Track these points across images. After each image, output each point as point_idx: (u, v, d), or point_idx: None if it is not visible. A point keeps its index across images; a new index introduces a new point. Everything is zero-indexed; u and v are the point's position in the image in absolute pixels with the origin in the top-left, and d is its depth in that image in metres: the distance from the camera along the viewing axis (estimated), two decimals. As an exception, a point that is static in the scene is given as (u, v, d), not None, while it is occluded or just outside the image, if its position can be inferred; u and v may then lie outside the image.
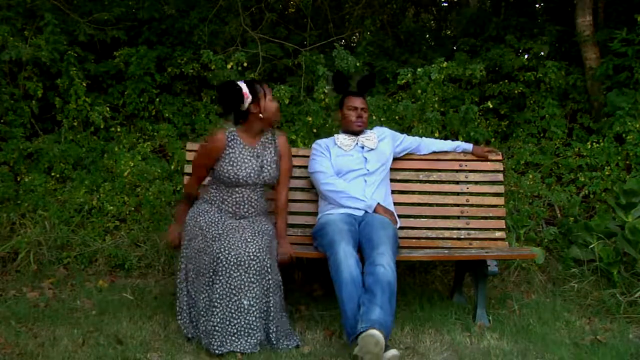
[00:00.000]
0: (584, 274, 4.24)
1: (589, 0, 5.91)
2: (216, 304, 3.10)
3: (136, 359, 3.00)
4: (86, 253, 4.46)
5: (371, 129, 3.99)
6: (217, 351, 3.06)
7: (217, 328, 3.09)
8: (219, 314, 3.10)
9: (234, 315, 3.09)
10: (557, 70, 5.71)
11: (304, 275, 4.32)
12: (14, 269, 4.32)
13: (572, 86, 5.89)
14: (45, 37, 5.22)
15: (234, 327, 3.09)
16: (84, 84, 5.33)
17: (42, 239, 4.44)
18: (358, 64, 5.40)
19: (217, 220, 3.30)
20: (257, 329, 3.12)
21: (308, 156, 3.91)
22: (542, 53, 6.24)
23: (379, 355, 2.86)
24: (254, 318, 3.11)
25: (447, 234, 3.93)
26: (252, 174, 3.36)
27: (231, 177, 3.33)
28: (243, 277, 3.11)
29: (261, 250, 3.17)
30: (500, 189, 4.04)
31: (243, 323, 3.10)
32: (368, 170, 3.75)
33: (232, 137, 3.39)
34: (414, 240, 3.90)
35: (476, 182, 4.05)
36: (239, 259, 3.12)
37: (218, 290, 3.11)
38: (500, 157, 4.07)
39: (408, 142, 4.03)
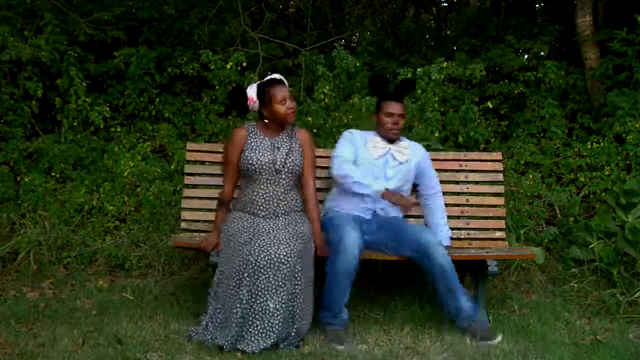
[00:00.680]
0: (584, 274, 4.24)
1: (589, 0, 5.91)
2: (238, 304, 3.10)
3: (136, 359, 3.00)
4: (86, 253, 4.46)
5: (409, 141, 3.84)
6: (226, 348, 3.08)
7: (233, 325, 3.10)
8: (240, 313, 3.10)
9: (257, 316, 3.09)
10: (557, 70, 5.71)
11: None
12: (14, 269, 4.32)
13: (572, 86, 5.89)
14: (45, 37, 5.22)
15: (255, 328, 3.08)
16: (84, 84, 5.33)
17: (42, 239, 4.44)
18: (358, 64, 5.40)
19: (249, 225, 3.30)
20: (276, 332, 3.10)
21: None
22: (542, 53, 6.25)
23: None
24: (277, 322, 3.10)
25: (447, 233, 3.92)
26: (274, 160, 3.36)
27: (255, 163, 3.34)
28: (271, 279, 3.10)
29: (293, 254, 3.16)
30: (500, 189, 4.04)
31: (266, 325, 3.09)
32: (386, 189, 3.62)
33: (252, 130, 3.46)
34: (414, 240, 3.89)
35: (476, 182, 4.05)
36: (269, 261, 3.11)
37: (244, 291, 3.11)
38: (500, 157, 4.07)
39: (428, 179, 3.80)
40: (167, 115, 5.75)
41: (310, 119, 4.93)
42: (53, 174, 5.00)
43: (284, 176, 3.39)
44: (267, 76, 3.56)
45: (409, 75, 5.09)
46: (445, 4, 8.76)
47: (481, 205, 4.00)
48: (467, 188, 4.01)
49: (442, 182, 3.98)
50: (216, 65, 5.23)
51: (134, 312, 3.63)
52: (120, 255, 4.43)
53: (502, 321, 3.66)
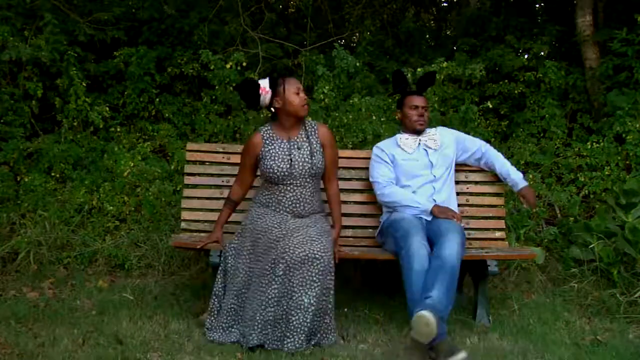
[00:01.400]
0: (584, 274, 4.24)
1: (589, 0, 5.91)
2: (272, 302, 3.11)
3: (136, 359, 3.00)
4: (86, 253, 4.46)
5: (435, 128, 3.92)
6: (251, 345, 3.09)
7: (269, 325, 3.10)
8: (275, 311, 3.11)
9: (292, 312, 3.09)
10: (557, 70, 5.71)
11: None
12: (14, 269, 4.32)
13: (572, 86, 5.89)
14: (45, 37, 5.22)
15: (290, 324, 3.08)
16: (84, 84, 5.33)
17: (42, 239, 4.44)
18: (358, 64, 5.40)
19: (278, 221, 3.30)
20: (308, 328, 3.11)
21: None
22: (542, 53, 6.25)
23: (430, 334, 2.95)
24: (310, 317, 3.11)
25: (447, 234, 3.92)
26: (296, 166, 3.33)
27: (276, 171, 3.31)
28: (305, 275, 3.11)
29: (326, 250, 3.17)
30: (500, 189, 4.04)
31: (301, 320, 3.09)
32: (434, 176, 3.71)
33: (268, 135, 3.40)
34: (414, 240, 3.89)
35: (476, 182, 4.05)
36: (304, 257, 3.11)
37: (278, 287, 3.11)
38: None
39: (470, 143, 3.91)
40: (167, 115, 5.75)
41: (310, 119, 4.93)
42: (53, 174, 5.00)
43: (308, 179, 3.38)
44: (267, 76, 3.57)
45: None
46: (445, 4, 8.76)
47: (481, 205, 4.01)
48: (467, 188, 4.02)
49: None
50: (216, 65, 5.23)
51: (134, 312, 3.63)
52: (120, 255, 4.43)
53: (502, 321, 3.66)
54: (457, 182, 4.01)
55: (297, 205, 3.36)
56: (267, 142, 3.38)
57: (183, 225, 3.90)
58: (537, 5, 7.53)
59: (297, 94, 3.36)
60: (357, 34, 7.31)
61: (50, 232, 4.49)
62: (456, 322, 3.63)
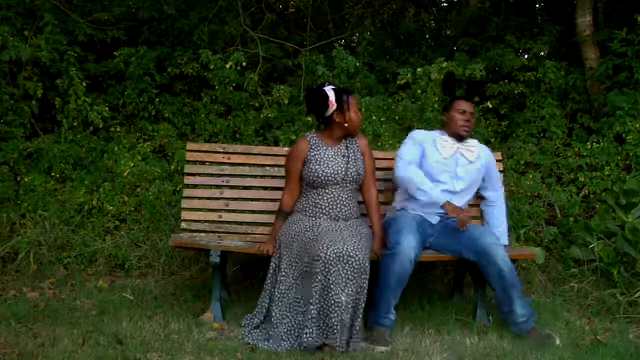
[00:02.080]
0: (584, 274, 4.25)
1: (589, 0, 5.91)
2: (311, 300, 3.14)
3: (136, 359, 3.00)
4: (86, 253, 4.46)
5: (476, 140, 3.88)
6: (306, 344, 3.12)
7: (308, 323, 3.13)
8: (315, 310, 3.14)
9: (331, 309, 3.12)
10: (557, 70, 5.71)
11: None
12: (14, 269, 4.32)
13: (572, 86, 5.89)
14: (45, 37, 5.21)
15: (330, 320, 3.11)
16: (84, 84, 5.32)
17: (42, 239, 4.44)
18: (358, 64, 5.40)
19: (312, 224, 3.39)
20: (347, 327, 3.15)
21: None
22: (542, 53, 6.24)
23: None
24: (348, 315, 3.15)
25: (447, 234, 3.92)
26: (339, 171, 3.45)
27: (320, 175, 3.42)
28: (341, 273, 3.15)
29: (360, 249, 3.22)
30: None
31: (340, 319, 3.11)
32: (454, 189, 3.69)
33: (314, 141, 3.53)
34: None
35: (476, 182, 4.04)
36: (338, 255, 3.15)
37: (317, 287, 3.14)
38: (500, 157, 4.07)
39: (495, 181, 3.87)
40: (167, 115, 5.74)
41: (310, 119, 4.93)
42: (53, 174, 5.00)
43: (348, 184, 3.49)
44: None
45: (409, 75, 5.09)
46: (445, 4, 8.74)
47: (481, 205, 4.00)
48: (467, 188, 4.01)
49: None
50: (216, 65, 5.23)
51: (134, 312, 3.63)
52: (120, 255, 4.43)
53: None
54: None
55: (334, 206, 3.45)
56: (313, 147, 3.51)
57: (183, 225, 3.91)
58: (537, 5, 7.51)
59: (356, 112, 3.51)
60: (357, 34, 7.30)
61: (50, 232, 4.49)
62: (456, 322, 3.63)
